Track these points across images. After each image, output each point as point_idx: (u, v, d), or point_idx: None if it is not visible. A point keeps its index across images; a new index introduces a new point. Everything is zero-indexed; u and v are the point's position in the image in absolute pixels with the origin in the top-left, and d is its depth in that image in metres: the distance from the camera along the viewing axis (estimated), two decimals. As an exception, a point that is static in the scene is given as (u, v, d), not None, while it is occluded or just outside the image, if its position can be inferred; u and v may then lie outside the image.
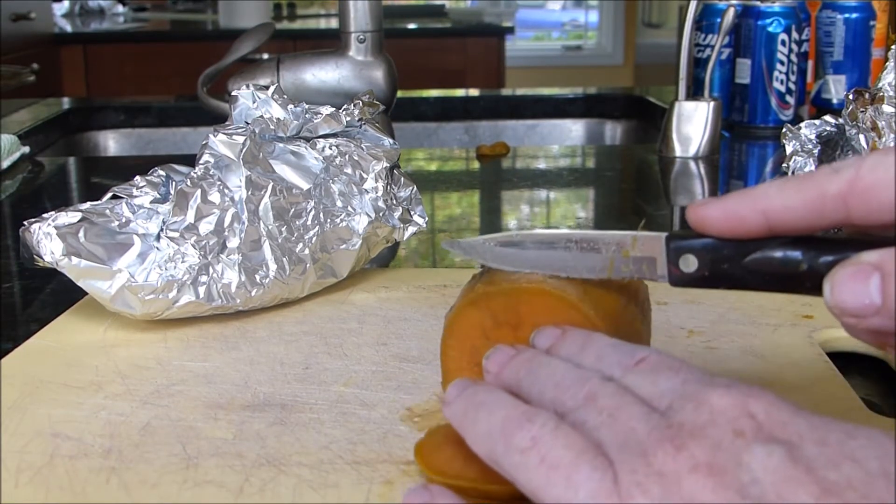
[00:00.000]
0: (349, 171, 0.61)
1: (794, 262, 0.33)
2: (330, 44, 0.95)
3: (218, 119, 0.76)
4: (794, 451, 0.26)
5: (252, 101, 0.61)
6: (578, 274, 0.39)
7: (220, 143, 0.56)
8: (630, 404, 0.30)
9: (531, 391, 0.34)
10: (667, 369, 0.32)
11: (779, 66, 1.19)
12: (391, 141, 0.64)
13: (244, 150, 0.56)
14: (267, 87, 0.62)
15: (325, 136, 0.62)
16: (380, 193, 0.61)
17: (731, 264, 0.35)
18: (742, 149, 1.14)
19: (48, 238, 0.52)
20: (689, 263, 0.36)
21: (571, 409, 0.31)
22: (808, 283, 0.33)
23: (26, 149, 1.11)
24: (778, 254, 0.34)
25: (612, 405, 0.30)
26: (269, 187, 0.56)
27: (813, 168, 0.70)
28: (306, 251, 0.57)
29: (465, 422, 0.33)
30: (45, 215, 0.53)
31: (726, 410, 0.28)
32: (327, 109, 0.63)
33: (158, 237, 0.53)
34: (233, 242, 0.55)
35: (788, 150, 0.72)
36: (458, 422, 0.34)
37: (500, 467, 0.31)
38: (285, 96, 0.62)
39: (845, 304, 0.30)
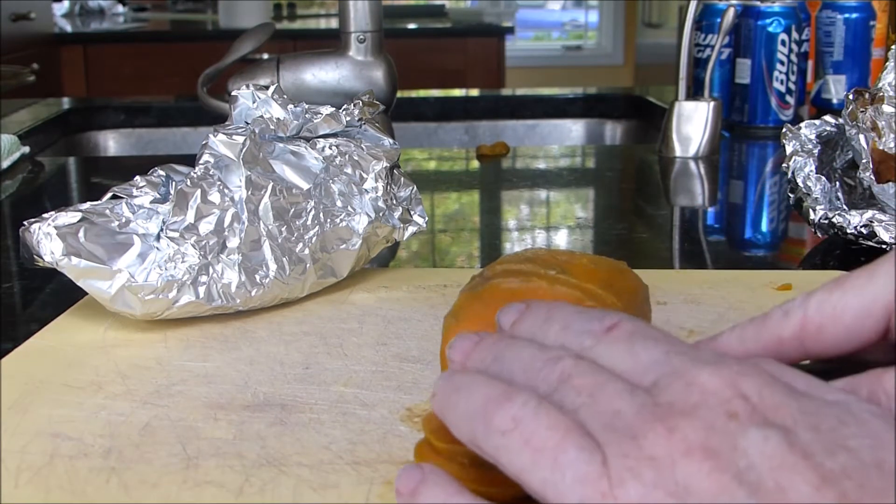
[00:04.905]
0: (349, 171, 0.61)
1: None
2: (330, 44, 0.96)
3: (218, 119, 0.76)
4: (789, 437, 0.26)
5: (252, 101, 0.61)
6: None
7: (220, 143, 0.56)
8: (609, 381, 0.29)
9: (500, 378, 0.31)
10: (644, 338, 0.30)
11: (779, 66, 1.19)
12: (391, 141, 0.64)
13: (244, 150, 0.56)
14: (267, 87, 0.62)
15: (325, 136, 0.62)
16: (380, 193, 0.61)
17: None
18: (742, 149, 1.14)
19: (48, 238, 0.52)
20: None
21: (546, 393, 0.29)
22: None
23: (26, 149, 1.11)
24: None
25: (590, 384, 0.29)
26: (269, 187, 0.56)
27: (812, 169, 0.70)
28: (306, 251, 0.57)
29: (447, 408, 0.31)
30: (45, 215, 0.53)
31: (718, 391, 0.27)
32: (327, 109, 0.63)
33: (158, 237, 0.53)
34: (233, 242, 0.55)
35: (788, 150, 0.72)
36: (441, 409, 0.32)
37: (481, 451, 0.29)
38: (285, 96, 0.62)
39: None
